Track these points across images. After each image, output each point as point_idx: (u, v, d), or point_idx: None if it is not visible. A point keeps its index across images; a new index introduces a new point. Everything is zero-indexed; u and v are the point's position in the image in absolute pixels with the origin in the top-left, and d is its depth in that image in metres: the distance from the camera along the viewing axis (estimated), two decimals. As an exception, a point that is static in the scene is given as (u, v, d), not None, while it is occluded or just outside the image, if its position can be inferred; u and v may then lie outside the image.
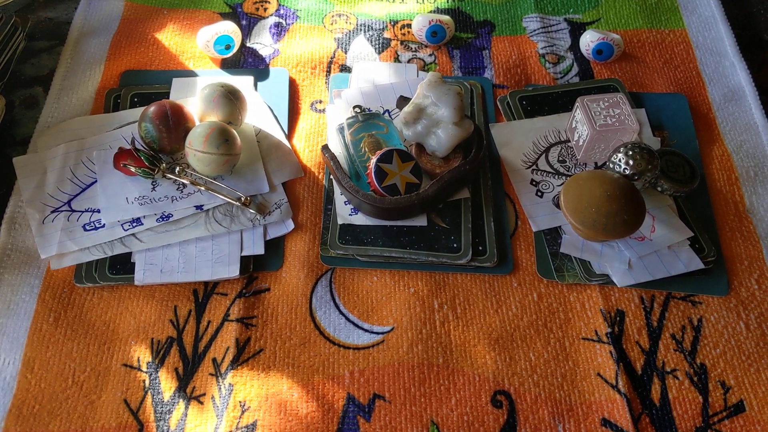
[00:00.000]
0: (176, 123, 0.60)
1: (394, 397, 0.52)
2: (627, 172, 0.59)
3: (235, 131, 0.61)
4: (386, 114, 0.68)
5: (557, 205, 0.62)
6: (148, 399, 0.51)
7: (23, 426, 0.50)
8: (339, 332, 0.55)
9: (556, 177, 0.64)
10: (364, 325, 0.56)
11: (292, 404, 0.51)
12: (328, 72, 0.72)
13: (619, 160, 0.59)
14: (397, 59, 0.73)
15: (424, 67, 0.73)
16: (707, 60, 0.75)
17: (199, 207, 0.60)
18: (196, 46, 0.72)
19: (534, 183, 0.64)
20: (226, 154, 0.59)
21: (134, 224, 0.59)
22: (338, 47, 0.74)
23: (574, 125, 0.65)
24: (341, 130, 0.65)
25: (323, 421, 0.51)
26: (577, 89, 0.70)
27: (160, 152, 0.62)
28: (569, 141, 0.66)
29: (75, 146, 0.64)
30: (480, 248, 0.59)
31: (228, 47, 0.70)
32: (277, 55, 0.73)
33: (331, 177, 0.63)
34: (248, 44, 0.74)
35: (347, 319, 0.56)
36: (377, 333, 0.55)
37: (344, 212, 0.61)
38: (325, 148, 0.63)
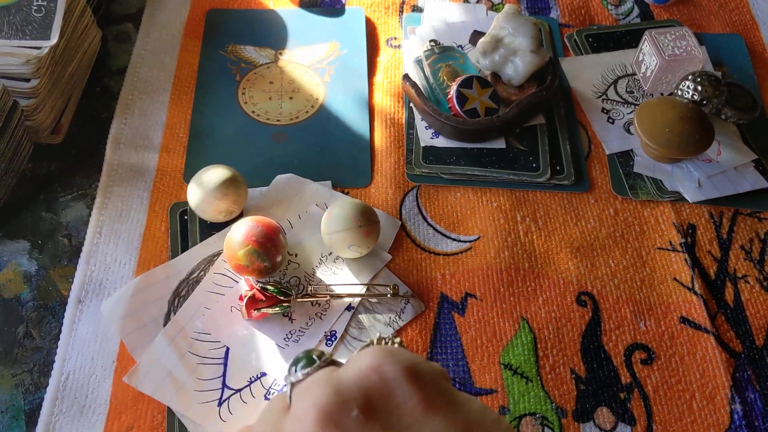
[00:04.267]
0: (271, 236, 0.52)
1: (485, 296, 0.56)
2: (695, 98, 0.62)
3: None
4: (460, 48, 0.71)
5: (628, 131, 0.66)
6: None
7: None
8: (428, 241, 0.59)
9: (625, 106, 0.67)
10: (451, 235, 0.59)
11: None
12: (401, 12, 0.75)
13: (687, 87, 0.63)
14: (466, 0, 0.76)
15: (492, 8, 0.76)
16: (759, 4, 0.78)
17: (330, 337, 0.52)
18: (274, -14, 0.76)
19: (605, 111, 0.67)
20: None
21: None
22: (409, -12, 0.77)
23: (641, 58, 0.68)
24: (419, 62, 0.68)
25: (421, 316, 0.54)
26: (640, 28, 0.73)
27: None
28: (635, 74, 0.70)
29: (172, 330, 0.51)
30: (557, 168, 0.63)
31: (307, -13, 0.73)
32: (352, -5, 0.76)
33: (411, 105, 0.67)
34: (323, -15, 0.77)
35: (435, 230, 0.60)
36: (464, 242, 0.59)
37: (426, 136, 0.65)
38: (406, 77, 0.66)
